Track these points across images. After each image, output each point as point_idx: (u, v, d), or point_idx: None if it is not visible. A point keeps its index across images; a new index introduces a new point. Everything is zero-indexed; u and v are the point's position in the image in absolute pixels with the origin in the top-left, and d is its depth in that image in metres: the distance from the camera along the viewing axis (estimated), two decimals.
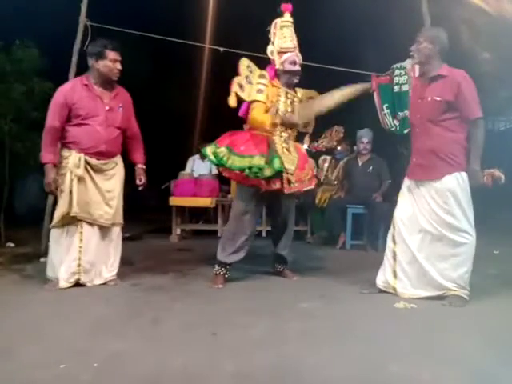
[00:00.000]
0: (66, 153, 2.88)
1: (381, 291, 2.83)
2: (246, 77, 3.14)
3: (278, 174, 2.95)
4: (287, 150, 3.12)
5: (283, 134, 3.13)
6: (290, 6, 3.23)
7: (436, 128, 2.65)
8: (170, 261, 3.99)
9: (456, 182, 2.61)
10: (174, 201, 5.37)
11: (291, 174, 3.03)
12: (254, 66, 3.21)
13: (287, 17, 3.22)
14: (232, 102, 3.05)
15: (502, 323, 2.32)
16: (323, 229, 5.31)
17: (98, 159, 2.91)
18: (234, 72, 3.25)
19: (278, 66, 3.18)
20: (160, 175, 6.13)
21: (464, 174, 2.62)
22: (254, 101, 3.08)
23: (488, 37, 4.63)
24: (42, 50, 4.69)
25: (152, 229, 6.41)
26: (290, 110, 3.17)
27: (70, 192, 2.81)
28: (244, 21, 3.29)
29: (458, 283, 2.62)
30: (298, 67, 3.17)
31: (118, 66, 2.93)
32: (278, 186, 2.98)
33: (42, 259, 3.58)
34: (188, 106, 8.06)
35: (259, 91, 3.09)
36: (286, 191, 3.01)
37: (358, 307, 2.60)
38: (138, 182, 3.18)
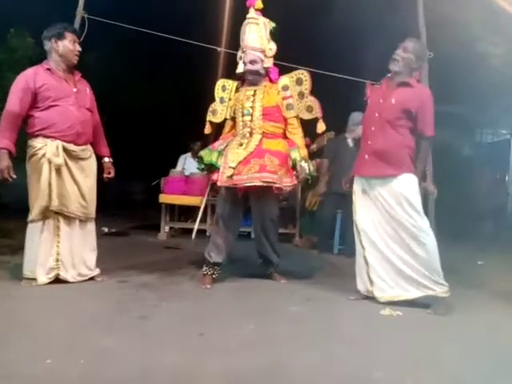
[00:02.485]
0: (39, 143, 2.74)
1: (366, 297, 2.87)
2: (221, 98, 3.35)
3: (215, 168, 3.10)
4: (240, 145, 3.10)
5: (244, 129, 3.13)
6: (253, 1, 3.15)
7: (391, 130, 2.74)
8: (157, 258, 3.98)
9: (405, 183, 2.69)
10: (164, 198, 5.36)
11: (232, 168, 2.97)
12: (229, 82, 3.33)
13: (251, 13, 3.16)
14: (206, 130, 3.41)
15: (485, 332, 2.37)
16: (312, 232, 5.35)
17: (75, 144, 2.82)
18: (232, 72, 3.30)
19: (241, 70, 3.18)
20: (150, 172, 6.11)
21: (412, 176, 2.70)
22: (225, 119, 3.35)
23: (480, 51, 4.72)
24: (38, 40, 4.63)
25: (140, 225, 6.39)
26: (248, 104, 3.11)
27: (49, 184, 2.72)
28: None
29: (434, 280, 2.63)
30: (251, 66, 3.10)
31: (78, 47, 2.88)
32: (215, 177, 3.06)
33: None
34: (182, 103, 8.04)
35: (229, 108, 3.32)
36: (218, 184, 3.02)
37: (345, 312, 2.64)
38: (106, 175, 3.12)
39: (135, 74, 7.33)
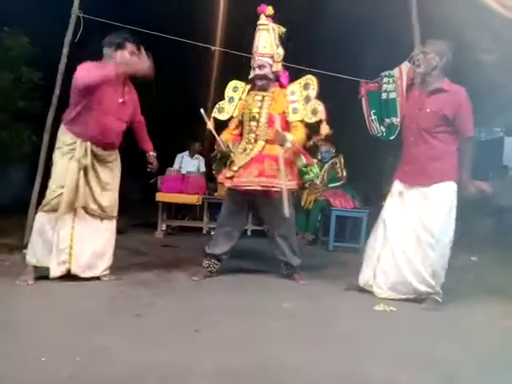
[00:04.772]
0: (70, 140, 2.82)
1: (361, 290, 2.92)
2: (230, 98, 3.40)
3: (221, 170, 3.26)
4: (245, 150, 3.16)
5: (249, 135, 3.18)
6: (264, 8, 3.17)
7: (431, 138, 2.76)
8: (154, 256, 3.99)
9: (444, 190, 2.71)
10: (161, 197, 5.36)
11: (234, 171, 3.08)
12: (242, 84, 3.40)
13: (262, 19, 3.18)
14: (210, 125, 3.31)
15: (477, 328, 2.41)
16: (307, 230, 5.37)
17: (103, 149, 2.90)
18: (229, 73, 3.31)
19: (251, 76, 3.24)
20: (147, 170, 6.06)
21: (452, 184, 2.72)
22: (231, 117, 3.39)
23: (475, 49, 4.75)
24: (33, 40, 4.63)
25: (137, 223, 6.38)
26: (256, 110, 3.15)
27: (76, 183, 2.79)
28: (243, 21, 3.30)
29: (435, 287, 2.71)
30: (258, 71, 3.15)
31: (135, 59, 2.88)
32: (220, 177, 3.25)
33: (24, 251, 3.53)
34: (180, 103, 8.03)
35: (235, 107, 3.38)
36: (218, 180, 3.29)
37: (340, 309, 2.67)
38: (149, 166, 3.30)
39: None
